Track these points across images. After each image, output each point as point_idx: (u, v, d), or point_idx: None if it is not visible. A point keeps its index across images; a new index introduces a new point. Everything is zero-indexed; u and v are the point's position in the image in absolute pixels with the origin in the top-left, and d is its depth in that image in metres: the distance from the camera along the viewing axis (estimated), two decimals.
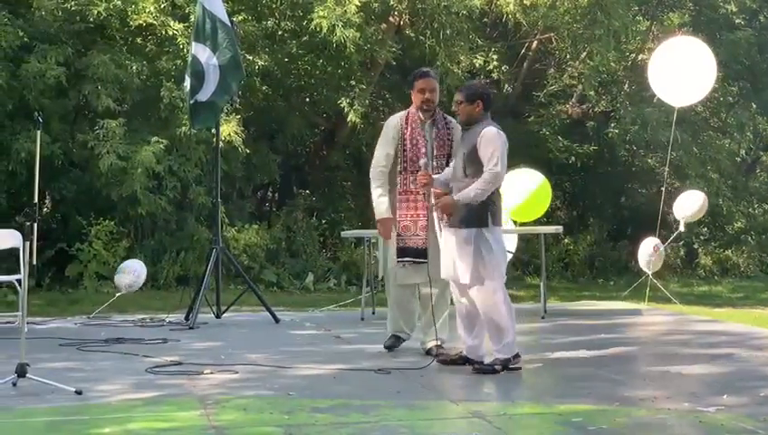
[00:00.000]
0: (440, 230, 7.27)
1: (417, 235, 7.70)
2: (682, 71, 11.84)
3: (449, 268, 7.22)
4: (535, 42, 17.54)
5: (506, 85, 17.07)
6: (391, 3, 14.70)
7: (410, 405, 5.96)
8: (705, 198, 12.72)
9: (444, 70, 14.31)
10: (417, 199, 7.68)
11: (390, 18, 15.38)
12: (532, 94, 17.95)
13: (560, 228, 11.83)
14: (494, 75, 16.61)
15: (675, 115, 12.46)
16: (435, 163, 7.68)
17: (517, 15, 14.85)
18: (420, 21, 15.13)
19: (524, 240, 13.93)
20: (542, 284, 11.00)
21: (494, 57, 16.17)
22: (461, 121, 7.37)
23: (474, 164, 7.10)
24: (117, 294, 10.87)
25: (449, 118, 7.94)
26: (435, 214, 7.33)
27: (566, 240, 16.88)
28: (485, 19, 16.53)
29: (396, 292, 7.95)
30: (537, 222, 12.83)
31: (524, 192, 11.80)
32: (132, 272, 10.96)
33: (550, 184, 12.32)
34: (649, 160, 18.12)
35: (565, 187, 18.77)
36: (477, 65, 15.67)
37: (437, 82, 8.08)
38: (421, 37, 15.04)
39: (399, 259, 7.74)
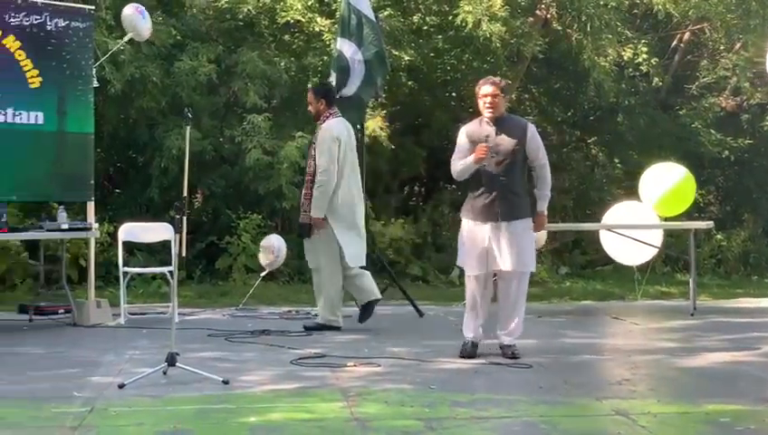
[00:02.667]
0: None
1: None
2: None
3: (513, 259, 7.28)
4: (687, 33, 17.11)
5: (656, 78, 16.67)
6: None
7: (552, 401, 5.91)
8: None
9: (591, 63, 14.09)
10: None
11: (537, 11, 15.21)
12: (683, 87, 17.52)
13: (711, 224, 11.56)
14: (643, 68, 16.27)
15: None
16: None
17: (667, 6, 14.48)
18: (567, 14, 14.92)
19: (674, 236, 13.63)
20: (691, 280, 10.76)
21: (644, 49, 15.82)
22: (498, 113, 7.42)
23: (521, 157, 7.35)
24: (262, 274, 11.12)
25: None
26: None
27: (718, 236, 16.40)
28: (635, 11, 16.20)
29: None
30: (688, 217, 12.51)
31: (666, 186, 11.52)
32: (271, 250, 11.17)
33: (694, 178, 11.98)
34: None
35: (718, 181, 18.25)
36: (626, 58, 15.39)
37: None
38: (568, 30, 14.83)
39: None
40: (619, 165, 16.71)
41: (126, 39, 10.42)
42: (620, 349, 7.99)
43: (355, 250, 9.04)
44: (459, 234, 7.62)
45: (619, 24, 14.58)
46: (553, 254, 15.02)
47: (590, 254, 15.15)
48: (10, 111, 8.99)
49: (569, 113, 17.34)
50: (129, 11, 9.97)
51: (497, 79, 7.58)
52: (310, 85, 9.65)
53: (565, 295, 12.47)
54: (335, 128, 9.03)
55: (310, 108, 9.29)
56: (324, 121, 9.08)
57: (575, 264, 15.09)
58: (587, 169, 16.74)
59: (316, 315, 9.46)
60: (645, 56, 15.72)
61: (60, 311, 9.86)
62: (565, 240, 15.24)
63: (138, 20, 9.95)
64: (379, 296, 9.27)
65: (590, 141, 17.56)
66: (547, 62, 16.20)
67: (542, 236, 11.10)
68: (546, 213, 7.48)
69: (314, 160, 8.99)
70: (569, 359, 7.43)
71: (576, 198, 16.12)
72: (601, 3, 14.10)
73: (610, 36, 14.29)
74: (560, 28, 15.32)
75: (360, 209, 9.23)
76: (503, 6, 13.19)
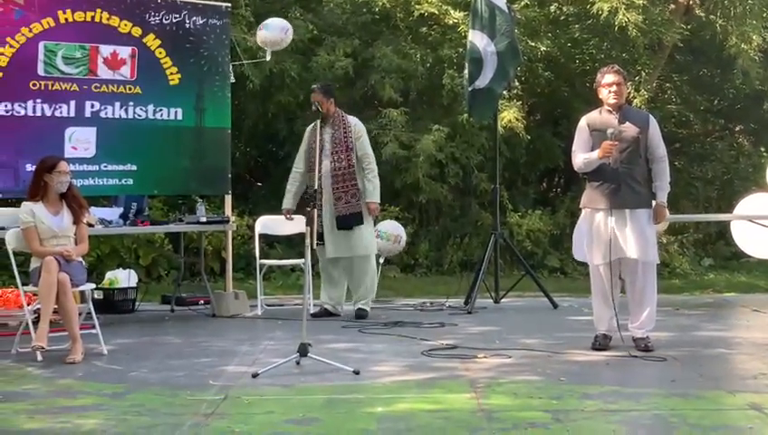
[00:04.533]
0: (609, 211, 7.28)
1: None
2: None
3: (638, 247, 7.20)
4: None
5: None
6: None
7: (684, 394, 5.79)
8: None
9: (736, 50, 13.72)
10: None
11: None
12: None
13: None
14: None
15: None
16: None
17: None
18: (710, 0, 14.56)
19: None
20: None
21: None
22: (619, 103, 7.32)
23: (643, 146, 7.27)
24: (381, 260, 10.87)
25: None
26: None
27: None
28: None
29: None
30: None
31: None
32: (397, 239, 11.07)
33: None
34: None
35: None
36: None
37: None
38: (711, 17, 14.46)
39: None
40: (765, 154, 16.21)
41: (269, 56, 10.58)
42: (759, 342, 7.74)
43: None
44: (577, 225, 7.55)
45: (764, 9, 14.16)
46: (696, 245, 14.70)
47: (734, 245, 14.75)
48: (151, 107, 9.28)
49: (713, 102, 16.90)
50: (258, 34, 10.18)
51: (619, 67, 7.52)
52: (315, 85, 9.90)
53: (708, 288, 12.19)
54: (361, 122, 9.71)
55: (320, 107, 9.12)
56: (345, 117, 9.56)
57: (719, 255, 14.72)
58: (731, 158, 16.29)
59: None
60: None
61: (200, 302, 10.13)
62: (709, 231, 14.88)
63: (266, 37, 10.13)
64: None
65: (735, 130, 17.10)
66: (690, 50, 15.82)
67: (662, 224, 10.85)
68: (666, 204, 7.33)
69: (353, 153, 9.36)
70: (704, 352, 7.26)
71: (720, 188, 15.73)
72: None
73: (755, 22, 13.89)
74: (702, 15, 14.95)
75: None
76: None
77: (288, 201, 9.54)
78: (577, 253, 7.70)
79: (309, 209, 6.99)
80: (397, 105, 13.36)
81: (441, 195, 13.67)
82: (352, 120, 9.54)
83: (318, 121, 8.07)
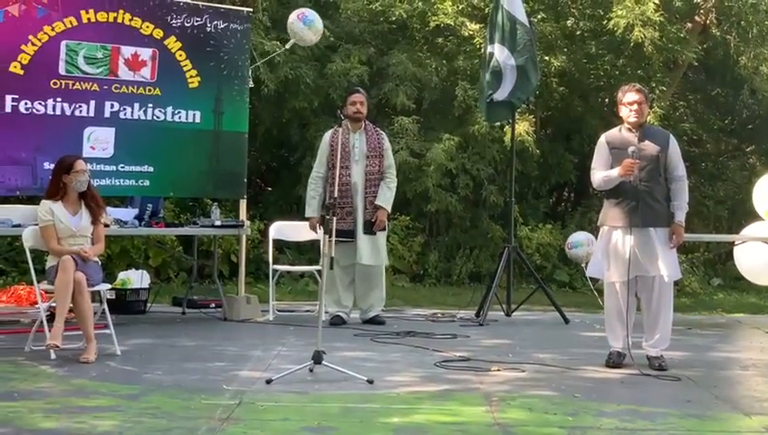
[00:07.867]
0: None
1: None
2: None
3: (657, 266, 7.19)
4: None
5: None
6: (696, 1, 14.31)
7: (700, 415, 5.77)
8: None
9: (749, 71, 13.73)
10: None
11: (696, 17, 14.90)
12: None
13: None
14: None
15: None
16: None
17: None
18: (727, 20, 14.57)
19: None
20: None
21: None
22: (640, 122, 7.31)
23: (663, 165, 7.25)
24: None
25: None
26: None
27: None
28: None
29: None
30: None
31: None
32: None
33: None
34: None
35: None
36: None
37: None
38: (727, 37, 14.48)
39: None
40: None
41: (289, 45, 10.58)
42: None
43: None
44: (597, 243, 7.57)
45: None
46: (706, 265, 14.69)
47: None
48: (170, 109, 9.32)
49: (726, 121, 16.90)
50: (291, 18, 10.12)
51: (640, 86, 7.53)
52: (359, 87, 10.08)
53: (717, 308, 12.17)
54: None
55: (363, 109, 9.48)
56: (372, 124, 9.70)
57: (729, 275, 14.70)
58: (744, 178, 16.26)
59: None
60: None
61: (211, 305, 10.13)
62: (719, 251, 14.86)
63: (299, 27, 10.09)
64: None
65: (747, 150, 17.10)
66: (704, 69, 15.83)
67: None
68: (684, 224, 7.32)
69: (383, 160, 9.50)
70: (719, 373, 7.25)
71: (731, 209, 15.70)
72: (762, 8, 13.72)
73: None
74: (718, 34, 14.96)
75: None
76: (657, 12, 12.95)
77: (314, 209, 9.41)
78: (591, 269, 7.72)
79: (328, 218, 6.98)
80: (409, 114, 13.37)
81: (451, 205, 13.65)
82: (380, 131, 9.68)
83: (346, 125, 8.17)
